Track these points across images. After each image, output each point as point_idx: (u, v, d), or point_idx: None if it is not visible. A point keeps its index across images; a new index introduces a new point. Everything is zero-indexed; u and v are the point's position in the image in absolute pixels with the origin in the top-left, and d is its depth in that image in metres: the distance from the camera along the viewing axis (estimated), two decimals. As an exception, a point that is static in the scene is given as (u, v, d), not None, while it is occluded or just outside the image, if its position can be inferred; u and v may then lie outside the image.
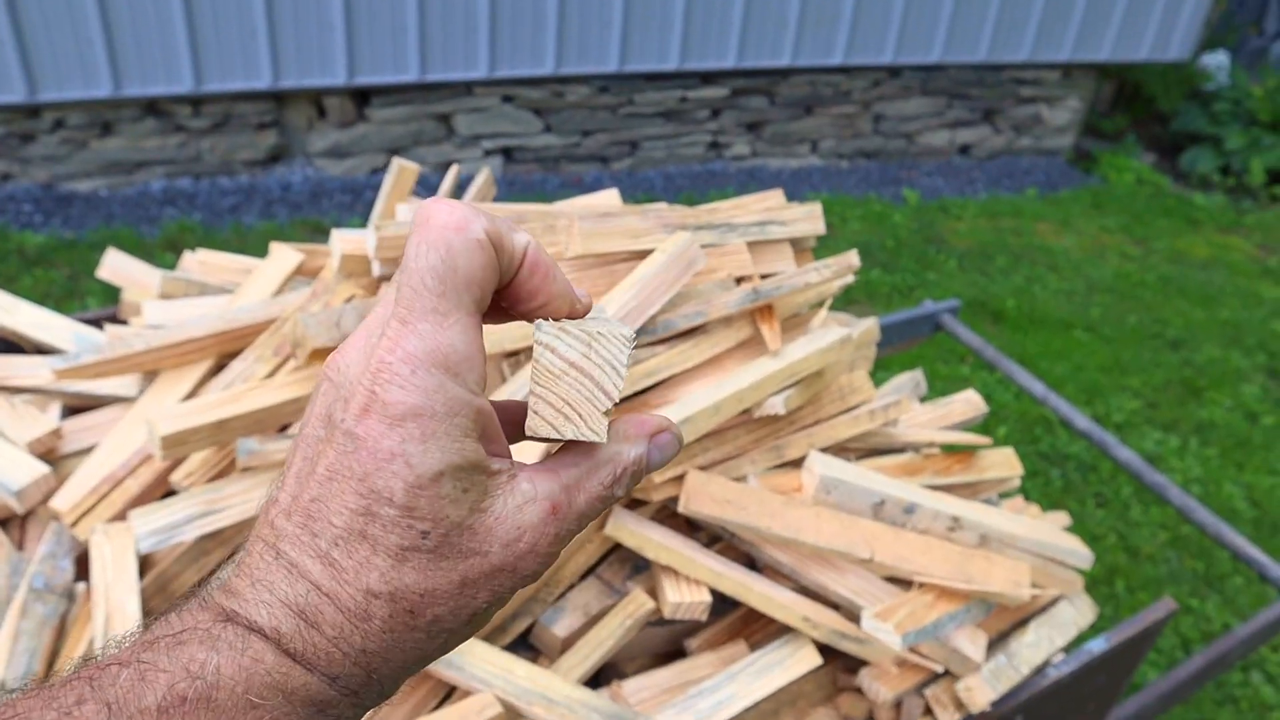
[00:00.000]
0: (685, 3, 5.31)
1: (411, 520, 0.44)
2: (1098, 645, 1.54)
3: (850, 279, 1.64)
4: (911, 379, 1.95)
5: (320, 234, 4.75)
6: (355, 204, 5.03)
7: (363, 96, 5.15)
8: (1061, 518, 1.88)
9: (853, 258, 1.52)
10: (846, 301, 4.68)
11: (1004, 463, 1.68)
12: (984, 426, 3.97)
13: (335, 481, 0.45)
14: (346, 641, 0.45)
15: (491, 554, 0.47)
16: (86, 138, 4.80)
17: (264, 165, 5.20)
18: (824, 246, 4.77)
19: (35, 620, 1.27)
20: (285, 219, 4.84)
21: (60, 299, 3.96)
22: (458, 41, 5.03)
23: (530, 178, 5.56)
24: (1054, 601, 1.60)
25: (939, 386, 4.12)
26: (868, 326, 1.68)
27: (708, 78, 5.74)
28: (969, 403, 1.79)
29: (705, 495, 1.28)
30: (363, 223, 4.87)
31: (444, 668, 1.17)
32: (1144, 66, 7.02)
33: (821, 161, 6.33)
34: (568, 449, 0.51)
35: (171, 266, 3.10)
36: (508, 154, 5.56)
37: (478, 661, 1.17)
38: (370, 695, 0.47)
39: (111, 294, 3.97)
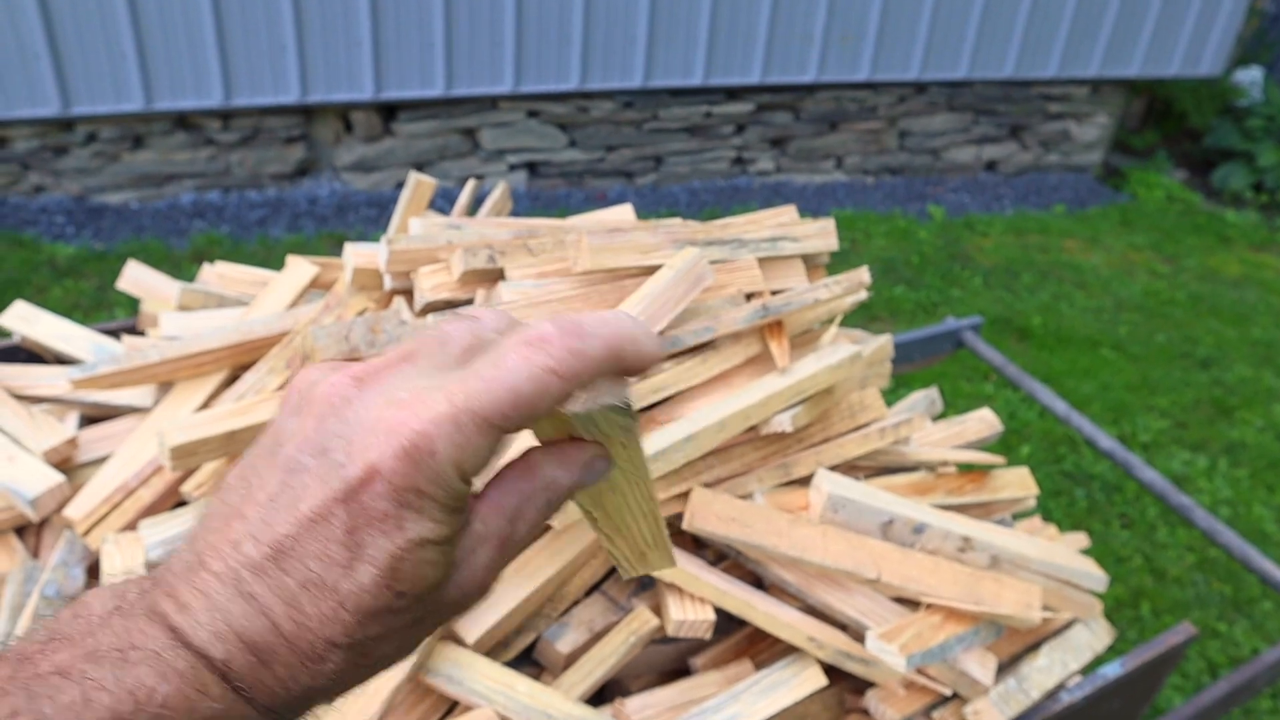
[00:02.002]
0: (710, 19, 5.32)
1: (391, 582, 0.44)
2: (1112, 670, 1.51)
3: (863, 295, 1.63)
4: (926, 396, 1.93)
5: (315, 257, 4.80)
6: (381, 218, 5.07)
7: (389, 111, 5.20)
8: (1080, 539, 1.85)
9: (863, 274, 1.51)
10: (869, 318, 4.66)
11: (1018, 482, 1.66)
12: (1006, 445, 3.93)
13: (319, 526, 0.43)
14: (295, 680, 0.44)
15: (448, 599, 0.47)
16: (118, 151, 4.87)
17: (291, 179, 5.25)
18: (847, 263, 4.78)
19: (44, 629, 1.28)
20: (312, 232, 4.89)
21: (89, 310, 4.02)
22: (483, 57, 5.07)
23: (554, 192, 5.58)
24: (1068, 625, 1.58)
25: (961, 404, 4.09)
26: (880, 344, 1.67)
27: (732, 93, 5.74)
28: (984, 421, 1.77)
29: (710, 513, 1.27)
30: (388, 236, 4.89)
31: (445, 682, 1.17)
32: (1175, 82, 6.96)
33: (846, 177, 6.31)
34: (508, 472, 0.50)
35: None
36: (532, 168, 5.59)
37: (479, 677, 1.17)
38: (298, 716, 0.47)
39: (139, 305, 4.02)
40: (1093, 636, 1.57)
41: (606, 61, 5.30)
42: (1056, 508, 3.67)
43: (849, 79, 5.82)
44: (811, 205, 5.87)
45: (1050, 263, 5.54)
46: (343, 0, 4.71)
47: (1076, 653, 1.51)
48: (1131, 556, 3.52)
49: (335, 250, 4.77)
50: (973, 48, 5.98)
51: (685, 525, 1.27)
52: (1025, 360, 4.54)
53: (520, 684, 1.17)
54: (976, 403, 4.15)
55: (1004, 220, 6.01)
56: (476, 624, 1.21)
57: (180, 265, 4.38)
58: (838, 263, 5.18)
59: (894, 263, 5.21)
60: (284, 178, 5.22)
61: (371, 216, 5.08)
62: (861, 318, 4.62)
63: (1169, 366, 4.68)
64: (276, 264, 4.48)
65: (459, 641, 1.21)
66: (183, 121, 4.91)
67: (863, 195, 6.09)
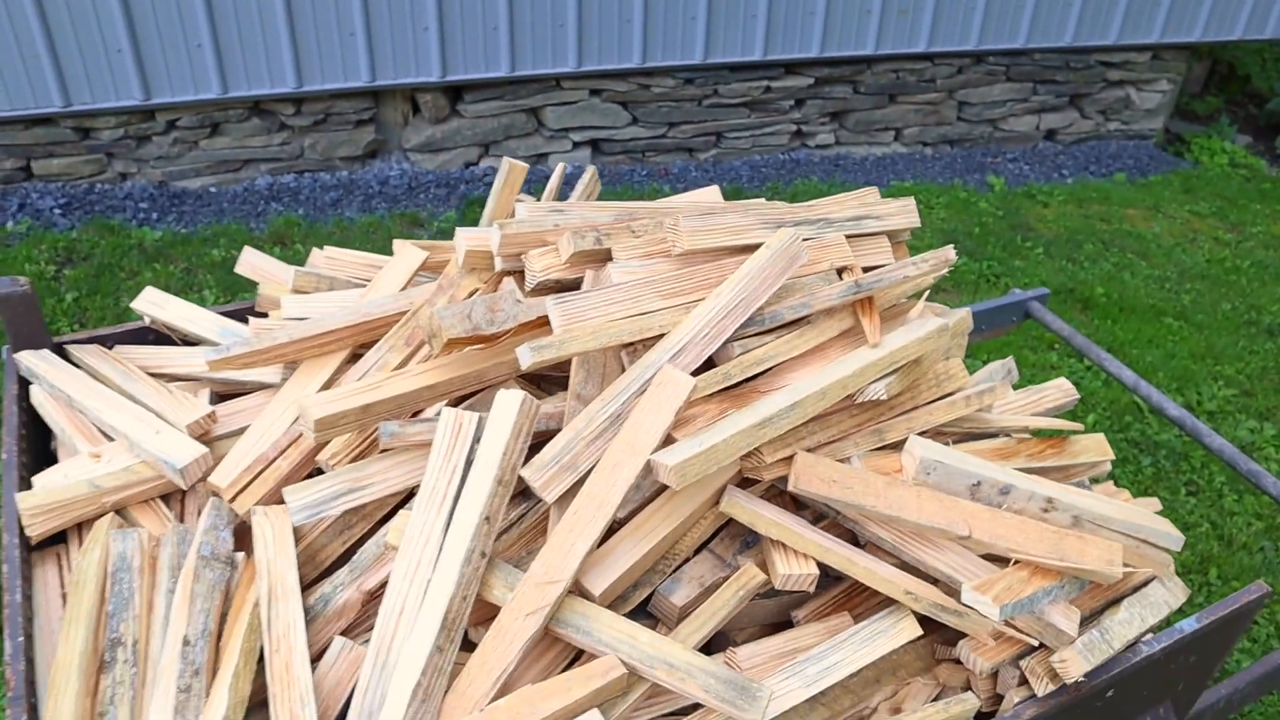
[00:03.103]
0: (769, -6, 5.36)
1: None
2: (1189, 624, 1.59)
3: (944, 270, 1.71)
4: (1004, 366, 2.00)
5: (418, 226, 4.93)
6: (450, 197, 5.19)
7: (455, 92, 5.31)
8: (1152, 503, 1.92)
9: (949, 253, 1.59)
10: (934, 290, 4.71)
11: (1096, 447, 1.74)
12: (1072, 414, 3.97)
13: None
14: None
15: None
16: (197, 138, 5.04)
17: (362, 161, 5.39)
18: (909, 236, 4.76)
19: (206, 584, 1.41)
20: (384, 212, 5.02)
21: (179, 292, 4.18)
22: (546, 37, 5.16)
23: (618, 169, 5.67)
24: (1146, 582, 1.65)
25: (1027, 374, 4.13)
26: (961, 316, 1.75)
27: (791, 68, 5.78)
28: (1061, 389, 1.85)
29: (814, 475, 1.37)
30: (457, 215, 5.03)
31: (574, 633, 1.28)
32: (1238, 45, 6.86)
33: (905, 149, 6.32)
34: None
35: (279, 259, 3.26)
36: (595, 146, 5.68)
37: (603, 627, 1.28)
38: None
39: (225, 286, 4.18)
40: (1169, 594, 1.65)
41: (667, 39, 5.37)
42: (1123, 475, 3.71)
43: (907, 50, 5.83)
44: (871, 177, 5.90)
45: (1112, 232, 5.53)
46: (410, -14, 4.83)
47: (1154, 608, 1.59)
48: (1199, 523, 3.56)
49: (408, 229, 4.91)
50: (1031, 16, 5.95)
51: (790, 487, 1.37)
52: (1089, 330, 4.57)
53: (642, 634, 1.28)
54: (1042, 373, 4.20)
55: (1064, 189, 6.00)
56: (602, 578, 1.32)
57: (261, 247, 4.52)
58: (899, 233, 5.16)
59: (955, 234, 5.24)
60: (355, 160, 5.36)
61: (441, 196, 5.21)
62: (936, 298, 4.66)
63: (1234, 335, 4.67)
64: (353, 243, 4.64)
65: (586, 595, 1.32)
66: (257, 107, 5.06)
67: (922, 167, 6.11)
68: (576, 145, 5.61)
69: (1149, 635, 1.59)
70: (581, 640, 1.28)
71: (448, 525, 1.33)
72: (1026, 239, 5.31)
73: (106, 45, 4.54)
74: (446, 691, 1.24)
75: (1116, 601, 1.58)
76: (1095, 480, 1.88)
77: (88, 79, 4.61)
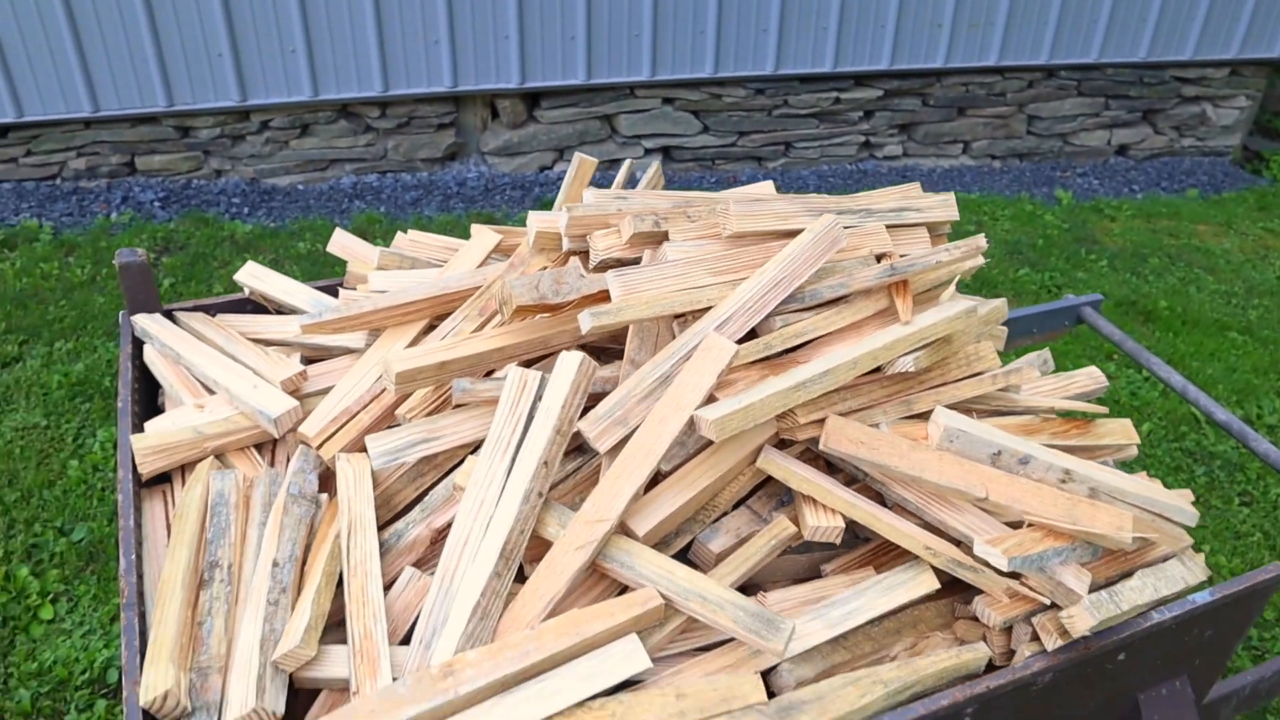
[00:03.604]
0: (840, 6, 5.47)
1: None
2: (1202, 597, 1.68)
3: (980, 261, 1.83)
4: (1039, 357, 2.10)
5: (493, 225, 5.13)
6: (524, 199, 5.39)
7: (533, 99, 5.52)
8: (1185, 494, 2.00)
9: (980, 240, 1.71)
10: (992, 297, 4.76)
11: (1121, 431, 1.83)
12: (1128, 422, 4.01)
13: None
14: None
15: None
16: (287, 138, 5.31)
17: (441, 163, 5.62)
18: (950, 228, 4.87)
19: (293, 518, 1.59)
20: (461, 211, 5.24)
21: (266, 281, 4.43)
22: (622, 46, 5.34)
23: (688, 176, 5.82)
24: (1165, 559, 1.74)
25: (1083, 382, 4.17)
26: (996, 305, 1.86)
27: (861, 79, 5.88)
28: (1090, 376, 1.94)
29: (843, 436, 1.50)
30: (530, 217, 5.22)
31: (618, 568, 1.43)
32: (1320, 64, 6.78)
33: (974, 162, 6.38)
34: None
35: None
36: (667, 153, 5.84)
37: (645, 563, 1.43)
38: None
39: (310, 277, 4.42)
40: (1187, 571, 1.74)
41: (739, 49, 5.51)
42: (1176, 483, 3.74)
43: (977, 64, 5.89)
44: (937, 188, 5.97)
45: (1180, 247, 5.53)
46: (493, -4, 5.05)
47: (1169, 581, 1.68)
48: (1251, 533, 3.58)
49: (482, 229, 5.11)
50: (1105, 30, 5.98)
51: (821, 446, 1.50)
52: (1150, 342, 4.59)
53: (679, 571, 1.42)
54: (1098, 382, 4.24)
55: (1133, 204, 6.00)
56: (646, 520, 1.46)
57: (344, 242, 4.77)
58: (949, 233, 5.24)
59: (1019, 245, 5.29)
60: (435, 161, 5.60)
61: (516, 198, 5.41)
62: (986, 296, 4.73)
63: (1301, 351, 4.65)
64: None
65: (631, 535, 1.47)
66: (345, 110, 5.32)
67: (989, 180, 6.16)
68: (648, 152, 5.78)
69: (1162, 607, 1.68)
70: (625, 574, 1.42)
71: (510, 469, 1.49)
72: (1091, 251, 5.34)
73: (208, 49, 4.83)
74: (502, 614, 1.40)
75: (1132, 572, 1.67)
76: (1123, 466, 1.97)
77: (190, 81, 4.91)
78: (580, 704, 1.31)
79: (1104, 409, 1.85)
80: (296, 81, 5.06)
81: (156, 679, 1.34)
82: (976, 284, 4.88)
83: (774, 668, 1.46)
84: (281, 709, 1.35)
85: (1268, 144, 6.95)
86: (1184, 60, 6.27)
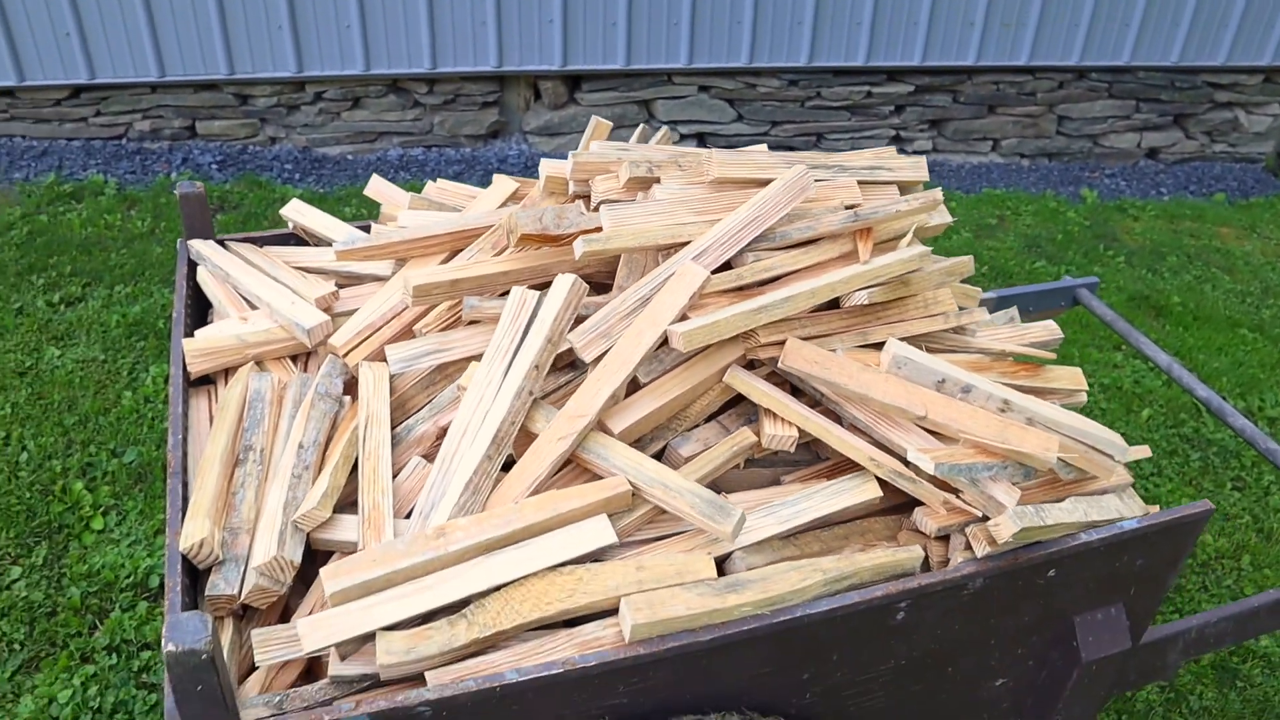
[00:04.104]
0: (874, 2, 5.63)
1: None
2: (1130, 524, 1.85)
3: (947, 219, 2.02)
4: (1006, 314, 2.28)
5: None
6: (560, 176, 5.61)
7: (574, 81, 5.74)
8: (1142, 450, 2.16)
9: (937, 193, 1.90)
10: (1005, 287, 4.91)
11: (1069, 377, 2.01)
12: (1127, 408, 4.16)
13: None
14: None
15: None
16: (339, 109, 5.58)
17: (484, 140, 5.86)
18: (993, 237, 5.17)
19: (319, 412, 1.82)
20: (499, 186, 5.47)
21: (312, 241, 4.69)
22: (661, 34, 5.54)
23: (718, 161, 6.01)
24: (1104, 492, 1.92)
25: (1089, 370, 4.32)
26: (961, 260, 2.04)
27: (893, 74, 6.04)
28: (1046, 328, 2.12)
29: (800, 356, 1.69)
30: (565, 193, 5.44)
31: (594, 458, 1.64)
32: (1357, 76, 6.82)
33: (1003, 159, 6.51)
34: None
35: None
36: (701, 140, 6.04)
37: (617, 455, 1.63)
38: None
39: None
40: (1122, 505, 1.91)
41: (774, 40, 5.70)
42: (1169, 465, 3.89)
43: (1009, 63, 6.03)
44: (964, 184, 6.11)
45: (1200, 247, 5.63)
46: (538, -21, 5.28)
47: (1101, 510, 1.85)
48: (1240, 515, 3.72)
49: (519, 203, 5.35)
50: (1137, 33, 6.08)
51: (780, 364, 1.70)
52: (1159, 336, 4.71)
53: (647, 463, 1.63)
54: (1105, 370, 4.38)
55: (1158, 205, 6.10)
56: (621, 420, 1.67)
57: (387, 209, 5.03)
58: (984, 235, 5.45)
59: (1038, 239, 5.43)
60: (478, 138, 5.84)
61: (552, 175, 5.63)
62: (998, 286, 4.88)
63: (1310, 351, 4.75)
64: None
65: (609, 433, 1.68)
66: (394, 85, 5.58)
67: (1016, 177, 6.29)
68: (683, 138, 5.98)
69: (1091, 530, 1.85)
70: (600, 464, 1.63)
71: (506, 372, 1.70)
72: (1109, 248, 5.46)
73: (269, 21, 5.10)
74: (491, 491, 1.61)
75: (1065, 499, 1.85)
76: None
77: (250, 51, 5.19)
78: (553, 568, 1.53)
79: (1051, 355, 2.02)
80: (350, 55, 5.33)
81: (194, 530, 1.57)
82: (991, 274, 5.04)
83: (728, 555, 1.66)
84: (298, 560, 1.58)
85: (1302, 153, 7.00)
86: (1216, 65, 6.35)
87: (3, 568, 2.93)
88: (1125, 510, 1.90)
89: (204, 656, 1.22)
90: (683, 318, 1.69)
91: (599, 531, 1.56)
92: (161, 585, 2.94)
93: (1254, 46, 6.29)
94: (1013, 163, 6.50)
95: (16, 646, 2.73)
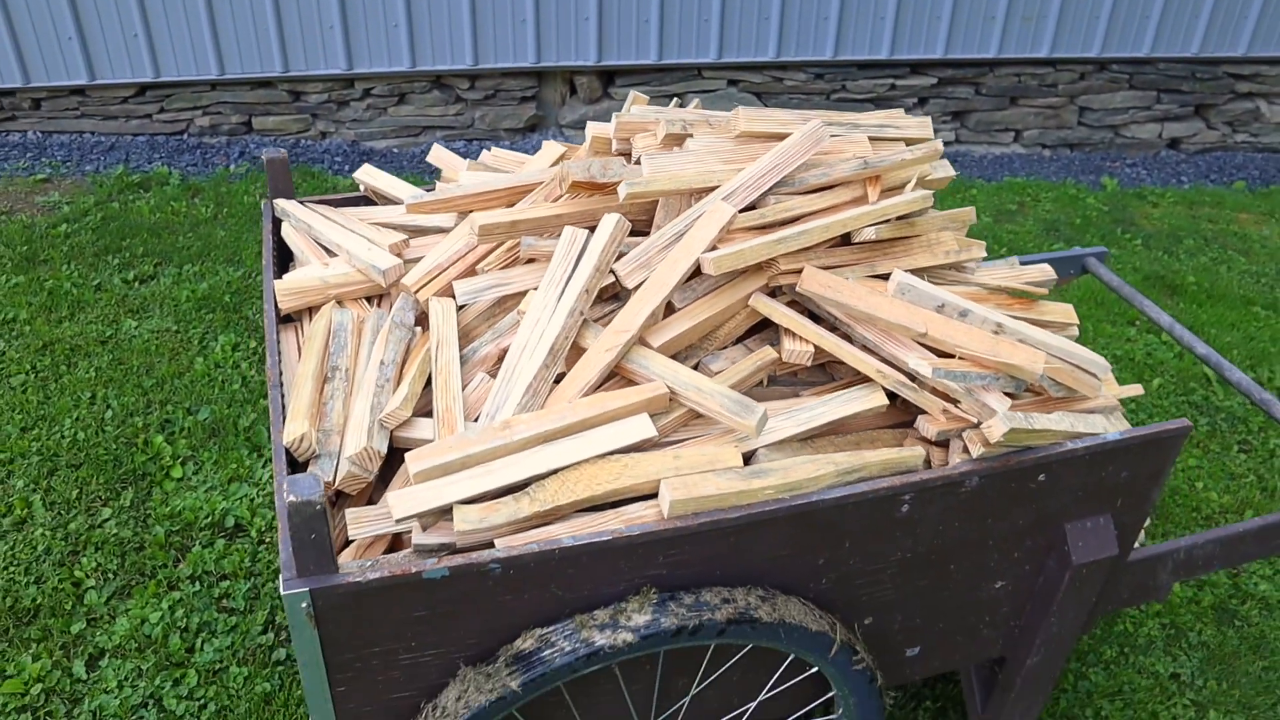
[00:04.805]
0: (897, -3, 5.88)
1: None
2: (1113, 435, 2.08)
3: (950, 172, 2.26)
4: (1006, 261, 2.51)
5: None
6: (596, 167, 5.88)
7: (609, 76, 6.01)
8: (1134, 389, 2.38)
9: (937, 144, 2.14)
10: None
11: (1062, 313, 2.24)
12: (1139, 376, 4.36)
13: None
14: None
15: None
16: (386, 105, 5.89)
17: (523, 133, 6.15)
18: (1013, 222, 5.42)
19: (396, 338, 2.08)
20: (538, 176, 5.75)
21: (365, 226, 4.99)
22: (691, 29, 5.81)
23: (748, 152, 6.25)
24: (1092, 412, 2.14)
25: (1103, 344, 4.52)
26: (962, 210, 2.28)
27: (916, 67, 6.26)
28: (1041, 270, 2.35)
29: (815, 281, 1.94)
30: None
31: (636, 368, 1.89)
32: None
33: (1025, 150, 6.71)
34: None
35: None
36: (730, 131, 6.28)
37: (656, 364, 1.89)
38: None
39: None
40: (1108, 423, 2.14)
41: (801, 35, 5.94)
42: (1177, 430, 4.07)
43: (1030, 55, 6.23)
44: (987, 174, 6.32)
45: (1217, 231, 5.80)
46: (576, -21, 5.56)
47: (1087, 424, 2.08)
48: (1245, 475, 3.91)
49: (557, 191, 5.62)
50: (1157, 25, 6.27)
51: (798, 288, 1.95)
52: (1172, 312, 4.90)
53: (683, 371, 1.88)
54: (1119, 344, 4.58)
55: (1178, 192, 6.28)
56: (660, 336, 1.92)
57: (434, 196, 5.32)
58: (1004, 219, 5.65)
59: (1057, 223, 5.63)
60: (516, 132, 6.12)
61: (588, 166, 5.90)
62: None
63: (1321, 327, 4.92)
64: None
65: (648, 345, 1.93)
66: (438, 81, 5.88)
67: (1038, 166, 6.49)
68: (713, 128, 6.23)
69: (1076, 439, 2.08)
70: (641, 372, 1.89)
71: (560, 297, 1.96)
72: (1127, 231, 5.65)
73: (321, 21, 5.42)
74: (549, 394, 1.87)
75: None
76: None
77: (304, 49, 5.50)
78: (602, 456, 1.78)
79: (1044, 290, 2.25)
80: (397, 53, 5.63)
81: (295, 427, 1.84)
82: (1009, 254, 5.25)
83: (753, 454, 1.91)
84: (384, 450, 1.84)
85: (1322, 143, 7.14)
86: (1237, 56, 6.52)
87: (95, 509, 3.23)
88: (1109, 426, 2.13)
89: (318, 507, 1.48)
90: (712, 249, 1.94)
91: (641, 426, 1.81)
92: (237, 525, 3.22)
93: (1275, 37, 6.46)
94: (1034, 153, 6.69)
95: (110, 575, 3.02)
